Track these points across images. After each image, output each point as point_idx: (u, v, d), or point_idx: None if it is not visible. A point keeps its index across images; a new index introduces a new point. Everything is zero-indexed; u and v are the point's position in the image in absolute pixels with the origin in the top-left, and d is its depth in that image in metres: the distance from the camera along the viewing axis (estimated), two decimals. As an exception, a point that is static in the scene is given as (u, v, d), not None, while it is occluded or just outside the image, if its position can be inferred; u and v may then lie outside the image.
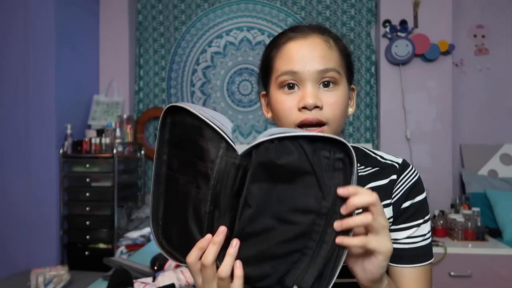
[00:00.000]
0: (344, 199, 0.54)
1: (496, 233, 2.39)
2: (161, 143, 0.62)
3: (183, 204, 0.59)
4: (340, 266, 0.54)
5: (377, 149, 2.92)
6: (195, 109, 0.58)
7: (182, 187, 0.59)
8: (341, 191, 0.53)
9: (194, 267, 0.58)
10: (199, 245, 0.57)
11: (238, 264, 0.56)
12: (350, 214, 0.54)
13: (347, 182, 0.54)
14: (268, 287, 0.56)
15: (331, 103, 0.70)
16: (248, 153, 0.57)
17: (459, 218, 2.30)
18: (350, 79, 0.78)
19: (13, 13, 2.66)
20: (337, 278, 0.56)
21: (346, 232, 0.54)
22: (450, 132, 2.78)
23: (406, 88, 2.82)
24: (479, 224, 2.29)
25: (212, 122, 0.57)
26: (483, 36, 2.95)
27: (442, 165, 2.77)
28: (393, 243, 0.77)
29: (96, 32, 3.13)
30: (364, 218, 0.53)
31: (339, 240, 0.53)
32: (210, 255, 0.56)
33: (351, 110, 0.79)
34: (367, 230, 0.54)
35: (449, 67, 2.79)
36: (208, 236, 0.57)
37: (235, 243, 0.56)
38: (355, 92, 0.81)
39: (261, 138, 0.56)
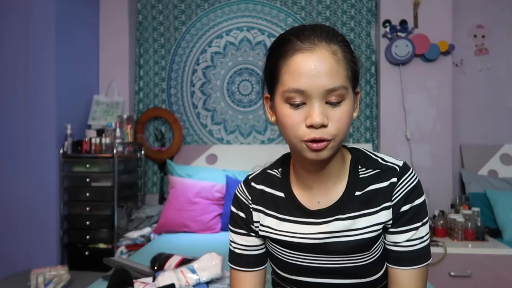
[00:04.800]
0: None
1: (496, 233, 2.39)
2: None
3: None
4: None
5: (377, 149, 2.92)
6: None
7: None
8: None
9: None
10: None
11: None
12: None
13: None
14: None
15: (337, 119, 0.71)
16: None
17: (459, 218, 2.30)
18: (355, 85, 0.77)
19: (13, 12, 2.66)
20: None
21: None
22: (450, 132, 2.78)
23: (406, 88, 2.82)
24: (479, 224, 2.29)
25: None
26: (483, 36, 2.95)
27: (442, 165, 2.77)
28: (393, 245, 0.79)
29: (96, 32, 3.13)
30: None
31: None
32: None
33: (355, 114, 0.78)
34: None
35: (449, 67, 2.79)
36: None
37: None
38: (359, 95, 0.81)
39: None
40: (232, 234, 0.91)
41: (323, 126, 0.70)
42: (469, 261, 2.14)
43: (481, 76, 2.95)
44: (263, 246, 0.90)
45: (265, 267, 0.92)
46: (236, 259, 0.90)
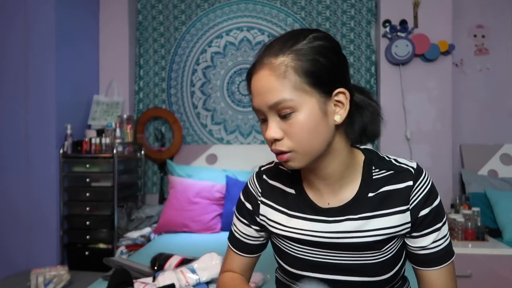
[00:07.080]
0: None
1: (496, 233, 2.39)
2: None
3: None
4: None
5: (377, 149, 2.92)
6: None
7: None
8: None
9: None
10: None
11: None
12: None
13: None
14: None
15: (290, 132, 0.73)
16: None
17: (459, 218, 2.30)
18: (330, 87, 0.73)
19: (13, 13, 2.66)
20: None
21: None
22: (450, 132, 2.78)
23: (406, 88, 2.82)
24: (479, 224, 2.29)
25: None
26: (483, 36, 2.94)
27: (442, 165, 2.77)
28: (421, 250, 0.81)
29: (96, 32, 3.13)
30: None
31: None
32: None
33: (338, 117, 0.74)
34: None
35: (449, 67, 2.79)
36: None
37: None
38: (347, 95, 0.74)
39: None
40: (235, 218, 0.96)
41: (277, 140, 0.74)
42: (469, 261, 2.13)
43: (481, 76, 2.95)
44: (260, 239, 0.94)
45: (259, 255, 0.97)
46: (234, 241, 0.96)
